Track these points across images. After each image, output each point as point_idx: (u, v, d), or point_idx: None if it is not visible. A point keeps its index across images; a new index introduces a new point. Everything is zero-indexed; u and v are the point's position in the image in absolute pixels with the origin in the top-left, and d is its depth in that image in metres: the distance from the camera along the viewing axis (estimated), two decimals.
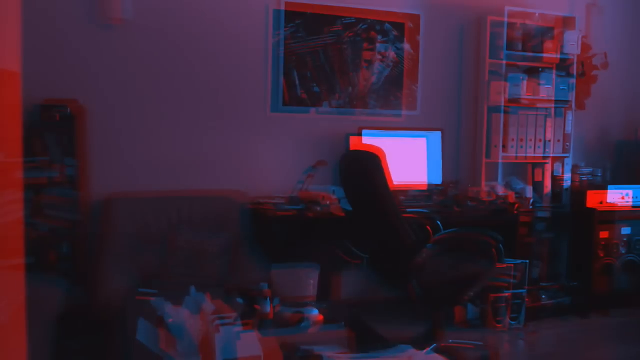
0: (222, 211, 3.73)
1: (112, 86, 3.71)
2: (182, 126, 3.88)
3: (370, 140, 4.04)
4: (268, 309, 2.42)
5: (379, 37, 4.29)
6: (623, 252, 4.45)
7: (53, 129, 3.41)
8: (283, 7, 4.02)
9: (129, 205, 3.61)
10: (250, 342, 1.68)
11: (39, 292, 3.07)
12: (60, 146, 3.45)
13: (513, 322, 4.01)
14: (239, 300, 2.42)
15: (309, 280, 2.60)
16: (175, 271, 3.40)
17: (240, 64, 3.98)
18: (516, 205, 4.18)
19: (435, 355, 2.12)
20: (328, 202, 3.69)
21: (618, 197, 4.46)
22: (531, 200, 4.40)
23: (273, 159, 4.07)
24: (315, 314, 2.44)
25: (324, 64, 4.16)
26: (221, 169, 3.95)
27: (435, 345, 3.13)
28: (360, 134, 4.08)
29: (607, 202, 4.44)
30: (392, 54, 4.34)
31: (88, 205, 3.57)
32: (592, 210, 4.41)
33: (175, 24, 3.82)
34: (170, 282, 3.30)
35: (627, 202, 4.48)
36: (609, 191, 4.45)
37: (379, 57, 4.31)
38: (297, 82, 4.10)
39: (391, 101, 4.36)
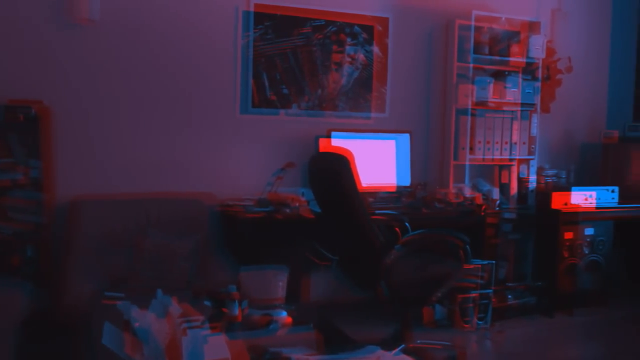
0: (191, 213, 3.71)
1: (78, 87, 3.66)
2: (149, 127, 3.84)
3: (339, 142, 4.05)
4: (236, 311, 2.41)
5: (348, 40, 4.31)
6: (586, 252, 4.54)
7: (17, 130, 3.35)
8: (252, 9, 4.01)
9: (95, 208, 3.56)
10: (217, 345, 1.67)
11: (2, 297, 3.02)
12: (24, 148, 3.39)
13: (480, 322, 4.06)
14: (207, 303, 2.41)
15: (278, 282, 2.60)
16: (143, 274, 3.37)
17: (209, 65, 3.96)
18: (483, 207, 4.24)
19: (404, 356, 2.14)
20: (297, 204, 3.69)
21: (582, 198, 4.55)
22: (497, 202, 4.47)
23: (242, 161, 4.05)
24: (283, 316, 2.44)
25: (293, 66, 4.16)
26: (190, 171, 3.92)
27: (403, 346, 3.15)
28: (329, 136, 4.09)
29: (571, 204, 4.53)
30: (361, 56, 4.36)
31: (53, 207, 3.50)
32: (557, 211, 4.49)
33: (143, 24, 3.78)
34: (137, 286, 3.26)
35: (591, 203, 4.57)
36: (572, 193, 4.54)
37: (348, 59, 4.33)
38: (267, 83, 4.09)
39: (360, 103, 4.39)
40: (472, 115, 4.48)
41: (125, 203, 3.63)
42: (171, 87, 3.87)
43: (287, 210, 3.65)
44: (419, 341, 3.43)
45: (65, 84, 3.62)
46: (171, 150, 3.89)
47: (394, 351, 2.14)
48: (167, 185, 3.84)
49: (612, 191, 4.65)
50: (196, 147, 3.95)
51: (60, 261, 3.44)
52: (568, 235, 4.50)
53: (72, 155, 3.63)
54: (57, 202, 3.54)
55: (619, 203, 4.65)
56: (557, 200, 4.52)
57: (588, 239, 4.55)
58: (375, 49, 4.40)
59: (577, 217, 4.50)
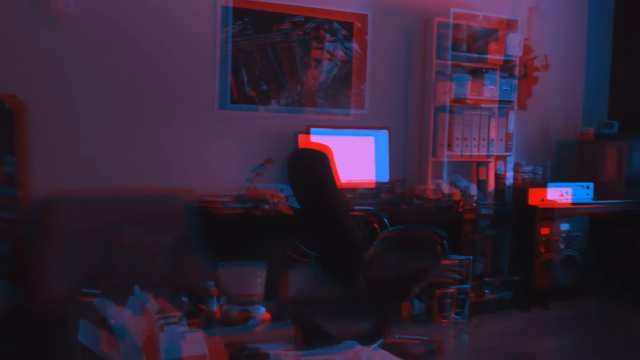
0: (169, 210, 3.68)
1: (54, 81, 3.61)
2: (127, 123, 3.81)
3: (318, 138, 4.06)
4: (214, 307, 2.40)
5: (328, 36, 4.31)
6: (562, 247, 4.61)
7: None
8: (231, 4, 3.99)
9: (72, 204, 3.52)
10: (195, 341, 1.67)
11: None
12: None
13: (458, 317, 4.10)
14: (185, 299, 2.40)
15: (257, 279, 2.60)
16: (120, 271, 3.34)
17: (188, 61, 3.93)
18: (461, 203, 4.28)
19: (381, 350, 2.15)
20: (276, 200, 3.69)
21: (558, 194, 4.61)
22: (475, 198, 4.51)
23: (221, 157, 4.04)
24: (262, 312, 2.44)
25: (272, 62, 4.15)
26: (167, 166, 3.90)
27: (381, 340, 3.17)
28: (308, 132, 4.09)
29: (547, 200, 4.58)
30: (340, 53, 4.37)
31: (28, 204, 3.46)
32: (534, 207, 4.55)
33: (120, 19, 3.74)
34: (114, 282, 3.23)
35: (567, 199, 4.63)
36: (548, 189, 4.59)
37: (328, 55, 4.33)
38: (245, 79, 4.08)
39: (339, 100, 4.39)
40: (450, 112, 4.51)
41: (101, 199, 3.60)
42: (149, 82, 3.84)
43: (266, 207, 3.65)
44: (397, 336, 3.45)
45: (41, 79, 3.57)
46: (148, 145, 3.86)
47: (372, 346, 2.15)
48: (145, 181, 3.80)
49: (587, 187, 4.72)
50: (174, 143, 3.92)
51: (35, 258, 3.39)
52: (544, 231, 4.56)
53: (47, 151, 3.58)
54: (33, 198, 3.49)
55: (593, 199, 4.73)
56: (533, 197, 4.58)
57: (563, 235, 4.62)
58: (355, 45, 4.41)
59: (553, 213, 4.56)
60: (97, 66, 3.70)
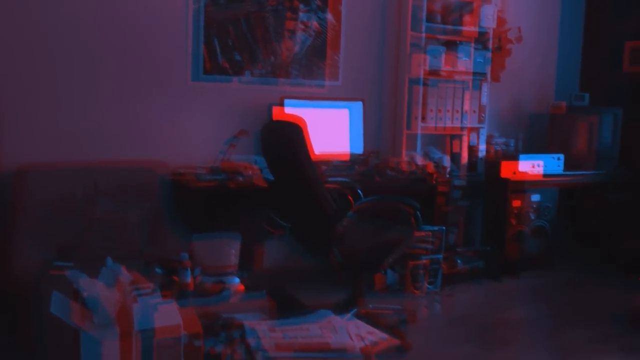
0: (141, 182, 3.65)
1: (21, 50, 3.52)
2: (99, 95, 3.74)
3: (292, 110, 4.04)
4: (188, 279, 2.40)
5: (302, 7, 4.26)
6: (532, 217, 4.69)
7: None
8: None
9: (42, 177, 3.46)
10: (169, 312, 1.67)
11: None
12: None
13: (430, 287, 4.16)
14: (158, 271, 2.40)
15: (231, 250, 2.60)
16: (93, 244, 3.31)
17: (160, 31, 3.86)
18: (434, 175, 4.31)
19: (355, 320, 2.18)
20: (250, 173, 3.68)
21: (529, 166, 4.67)
22: (448, 169, 4.54)
23: (194, 129, 4.00)
24: (236, 283, 2.45)
25: (245, 33, 4.10)
26: (140, 138, 3.85)
27: (355, 310, 3.21)
28: (282, 104, 4.07)
29: (519, 172, 4.64)
30: (314, 23, 4.33)
31: None
32: (506, 180, 4.61)
33: None
34: (87, 255, 3.21)
35: (538, 171, 4.70)
36: (520, 162, 4.65)
37: (302, 26, 4.29)
38: (219, 50, 4.02)
39: (313, 71, 4.36)
40: (425, 84, 4.52)
41: (72, 172, 3.54)
42: (121, 52, 3.76)
43: (240, 179, 3.64)
44: (370, 306, 3.50)
45: (9, 50, 3.48)
46: (121, 117, 3.80)
47: (346, 316, 2.18)
48: (117, 153, 3.76)
49: (558, 159, 4.79)
50: (146, 115, 3.87)
51: (6, 232, 3.35)
52: (516, 203, 4.63)
53: (17, 122, 3.51)
54: (2, 171, 3.43)
55: (564, 170, 4.80)
56: (506, 169, 4.63)
57: (534, 206, 4.69)
58: (329, 16, 4.37)
59: (525, 186, 4.63)
60: (66, 35, 3.61)
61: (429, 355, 3.16)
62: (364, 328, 1.96)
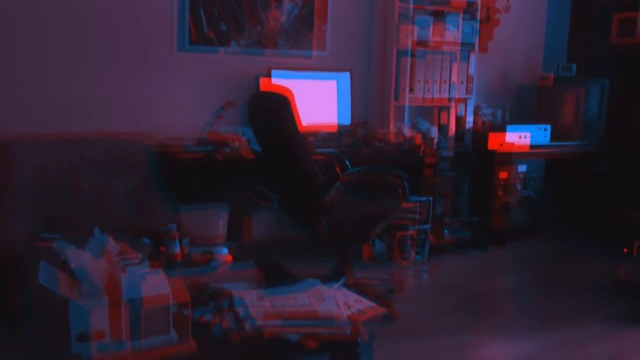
0: (128, 154, 3.63)
1: (5, 21, 3.45)
2: (84, 65, 3.68)
3: (279, 81, 4.01)
4: (176, 250, 2.41)
5: None
6: (519, 188, 4.73)
7: None
8: None
9: (28, 149, 3.43)
10: (157, 281, 1.67)
11: None
12: None
13: (418, 257, 4.20)
14: (145, 242, 2.40)
15: (218, 221, 2.60)
16: (80, 216, 3.30)
17: (145, 1, 3.80)
18: (422, 147, 4.32)
19: (342, 289, 2.20)
20: (237, 144, 3.66)
21: (516, 137, 4.69)
22: (435, 140, 4.55)
23: (180, 100, 3.96)
24: (224, 253, 2.45)
25: (232, 2, 4.04)
26: (126, 110, 3.81)
27: (343, 280, 3.23)
28: (269, 75, 4.04)
29: (506, 143, 4.66)
30: None
31: None
32: (493, 152, 4.63)
33: None
34: (75, 227, 3.20)
35: (525, 142, 4.72)
36: (507, 133, 4.66)
37: None
38: (204, 20, 3.97)
39: (301, 41, 4.33)
40: (412, 56, 4.49)
41: (58, 143, 3.51)
42: (105, 23, 3.70)
43: (227, 150, 3.62)
44: (358, 275, 3.53)
45: None
46: (106, 88, 3.75)
47: (334, 285, 2.19)
48: (103, 125, 3.72)
49: (545, 129, 4.81)
50: (132, 86, 3.83)
51: None
52: (503, 175, 4.65)
53: (1, 94, 3.46)
54: None
55: (550, 141, 4.83)
56: (493, 141, 4.65)
57: (521, 176, 4.73)
58: None
59: (511, 158, 4.65)
60: (53, 8, 3.55)
61: (417, 324, 3.21)
62: (352, 297, 1.98)
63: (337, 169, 3.58)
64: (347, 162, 3.64)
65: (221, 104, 3.79)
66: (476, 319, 3.38)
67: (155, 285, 1.65)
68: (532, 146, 4.73)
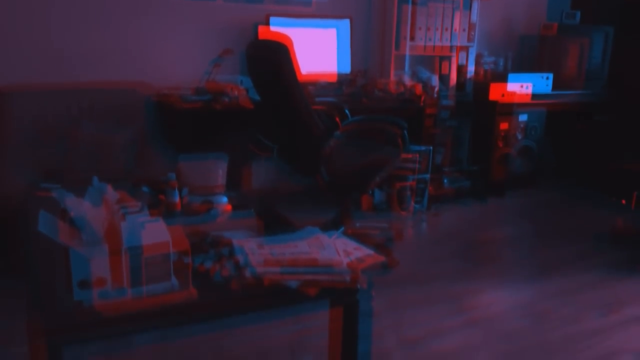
0: (126, 103, 3.59)
1: None
2: (82, 14, 3.61)
3: (278, 29, 3.94)
4: (176, 199, 2.40)
5: None
6: (519, 138, 4.70)
7: None
8: None
9: (24, 99, 3.40)
10: (157, 229, 1.68)
11: None
12: None
13: (417, 206, 4.21)
14: (144, 190, 2.39)
15: (218, 171, 2.58)
16: (79, 166, 3.29)
17: None
18: (422, 97, 4.28)
19: (342, 237, 2.20)
20: (236, 93, 3.63)
21: (518, 86, 4.64)
22: (436, 89, 4.51)
23: (177, 48, 3.90)
24: (224, 202, 2.45)
25: None
26: (123, 58, 3.76)
27: (342, 229, 3.25)
28: (267, 23, 3.96)
29: (507, 92, 4.61)
30: None
31: None
32: (494, 102, 4.59)
33: None
34: (74, 177, 3.20)
35: (527, 91, 4.67)
36: (509, 83, 4.61)
37: None
38: None
39: None
40: (414, 3, 4.40)
41: (55, 93, 3.48)
42: None
43: (226, 100, 3.59)
44: (358, 224, 3.54)
45: None
46: (103, 37, 3.69)
47: (334, 234, 2.20)
48: (100, 75, 3.68)
49: (547, 78, 4.75)
50: (128, 34, 3.76)
51: None
52: (503, 125, 4.63)
53: None
54: None
55: (552, 90, 4.78)
56: (494, 91, 4.60)
57: (522, 126, 4.70)
58: None
59: (513, 108, 4.61)
60: None
61: (415, 272, 3.24)
62: (351, 245, 1.98)
63: (337, 118, 3.55)
64: (346, 112, 3.61)
65: (219, 53, 3.73)
66: (474, 268, 3.41)
67: (155, 233, 1.65)
68: (533, 96, 4.69)
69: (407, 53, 4.46)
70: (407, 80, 4.38)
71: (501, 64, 4.97)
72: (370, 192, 4.12)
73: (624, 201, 4.45)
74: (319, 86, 4.09)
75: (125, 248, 1.59)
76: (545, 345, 2.58)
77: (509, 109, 4.60)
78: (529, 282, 3.22)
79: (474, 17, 4.69)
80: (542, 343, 2.59)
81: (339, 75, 4.24)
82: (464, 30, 4.66)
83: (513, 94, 4.60)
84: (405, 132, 3.25)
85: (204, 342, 2.47)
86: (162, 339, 1.97)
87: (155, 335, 1.70)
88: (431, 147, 4.22)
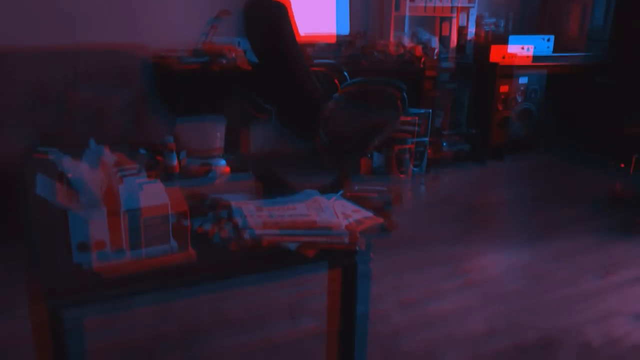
0: (122, 66, 3.55)
1: None
2: None
3: None
4: (174, 162, 2.39)
5: None
6: (519, 100, 4.67)
7: None
8: None
9: (20, 62, 3.36)
10: (155, 191, 1.66)
11: None
12: None
13: (415, 170, 4.21)
14: (142, 152, 2.38)
15: (215, 133, 2.56)
16: (76, 129, 3.27)
17: None
18: (422, 59, 4.23)
19: (341, 199, 2.19)
20: (233, 55, 3.58)
21: (518, 48, 4.59)
22: (436, 51, 4.46)
23: (173, 9, 3.84)
24: (222, 165, 2.43)
25: None
26: (119, 20, 3.70)
27: (341, 192, 3.24)
28: None
29: (508, 54, 4.56)
30: None
31: None
32: (495, 65, 4.54)
33: None
34: (71, 141, 3.18)
35: (528, 53, 4.62)
36: (509, 45, 4.55)
37: None
38: None
39: None
40: None
41: (50, 56, 3.43)
42: None
43: (224, 61, 3.55)
44: (356, 187, 3.54)
45: None
46: None
47: (332, 197, 2.19)
48: (95, 37, 3.62)
49: (548, 40, 4.70)
50: None
51: None
52: (504, 88, 4.59)
53: None
54: None
55: (553, 52, 4.73)
56: (495, 54, 4.55)
57: (522, 88, 4.66)
58: None
59: (513, 71, 4.57)
60: None
61: (414, 235, 3.25)
62: (350, 207, 1.98)
63: (336, 80, 3.51)
64: (345, 74, 3.58)
65: (216, 13, 3.67)
66: (472, 230, 3.42)
67: (153, 195, 1.64)
68: (534, 58, 4.64)
69: (407, 14, 4.40)
70: (407, 42, 4.33)
71: (502, 25, 4.91)
72: (369, 155, 4.11)
73: (622, 165, 4.44)
74: (317, 48, 4.04)
75: (124, 210, 1.58)
76: (542, 306, 2.60)
77: (510, 71, 4.56)
78: (527, 245, 3.24)
79: None
80: (539, 304, 2.62)
81: (338, 36, 4.19)
82: None
83: (514, 56, 4.55)
84: (405, 94, 3.22)
85: (204, 303, 2.49)
86: (161, 300, 1.98)
87: (155, 297, 1.71)
88: (430, 110, 4.19)
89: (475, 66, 4.72)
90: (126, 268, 1.55)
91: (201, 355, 2.17)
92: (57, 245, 1.59)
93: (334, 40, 4.16)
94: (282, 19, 2.96)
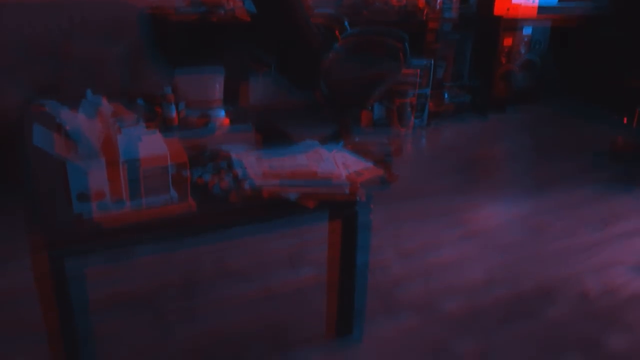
0: (119, 16, 3.49)
1: None
2: None
3: None
4: (173, 113, 2.37)
5: None
6: (523, 51, 4.60)
7: None
8: None
9: (13, 13, 3.30)
10: (154, 141, 1.65)
11: None
12: None
13: (416, 122, 4.18)
14: (140, 103, 2.36)
15: (214, 84, 2.54)
16: (73, 82, 3.24)
17: None
18: (425, 10, 4.15)
19: (342, 151, 2.18)
20: (232, 5, 3.51)
21: None
22: (439, 1, 4.37)
23: None
24: (221, 116, 2.42)
25: None
26: None
27: (342, 143, 3.23)
28: None
29: (512, 5, 4.47)
30: None
31: None
32: (499, 17, 4.46)
33: None
34: (68, 93, 3.15)
35: (533, 4, 4.53)
36: None
37: None
38: None
39: None
40: None
41: (45, 6, 3.36)
42: None
43: (222, 12, 3.48)
44: (357, 139, 3.53)
45: None
46: None
47: (333, 148, 2.18)
48: None
49: None
50: None
51: None
52: (507, 42, 4.52)
53: None
54: None
55: (559, 2, 4.64)
56: (499, 6, 4.46)
57: (525, 39, 4.59)
58: None
59: (517, 24, 4.48)
60: None
61: (414, 187, 3.25)
62: (350, 158, 1.97)
63: (336, 31, 3.45)
64: (346, 24, 3.51)
65: None
66: (472, 182, 3.42)
67: (152, 145, 1.63)
68: (540, 9, 4.55)
69: None
70: None
71: None
72: (370, 107, 4.08)
73: (625, 118, 4.41)
74: None
75: (123, 160, 1.58)
76: (541, 257, 2.62)
77: (514, 24, 4.48)
78: (527, 196, 3.24)
79: None
80: (538, 255, 2.64)
81: None
82: None
83: (518, 7, 4.46)
84: (407, 45, 3.17)
85: (204, 254, 2.50)
86: (162, 251, 1.99)
87: (156, 247, 1.72)
88: (432, 62, 4.14)
89: (479, 17, 4.63)
90: (126, 218, 1.55)
91: (202, 305, 2.20)
92: (57, 196, 1.59)
93: None
94: None
